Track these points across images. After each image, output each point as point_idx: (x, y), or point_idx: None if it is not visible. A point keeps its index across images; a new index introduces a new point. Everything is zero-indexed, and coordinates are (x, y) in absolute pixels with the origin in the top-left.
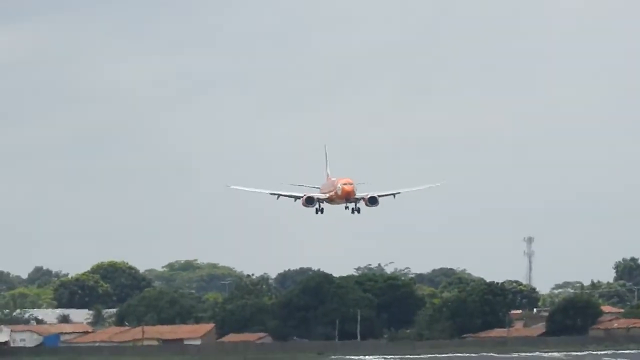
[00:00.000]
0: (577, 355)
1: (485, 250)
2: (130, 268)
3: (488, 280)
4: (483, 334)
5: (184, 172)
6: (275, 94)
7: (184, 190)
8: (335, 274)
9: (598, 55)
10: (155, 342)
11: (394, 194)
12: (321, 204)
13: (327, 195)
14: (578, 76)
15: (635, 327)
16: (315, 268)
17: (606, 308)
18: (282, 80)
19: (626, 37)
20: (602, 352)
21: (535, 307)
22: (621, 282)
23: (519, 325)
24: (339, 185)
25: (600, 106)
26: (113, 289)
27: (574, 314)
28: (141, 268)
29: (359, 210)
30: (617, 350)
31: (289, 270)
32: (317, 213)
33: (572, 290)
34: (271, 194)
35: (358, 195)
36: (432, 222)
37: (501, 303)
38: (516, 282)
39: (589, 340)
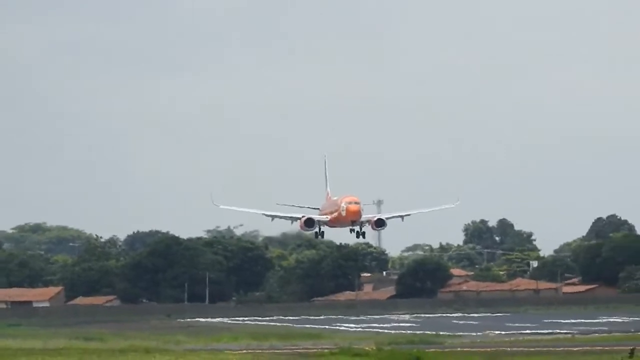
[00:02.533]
0: (426, 317)
1: None
2: None
3: (337, 243)
4: (333, 297)
5: (37, 135)
6: (143, 58)
7: (35, 153)
8: (185, 236)
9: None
10: (3, 305)
11: (402, 216)
12: (322, 227)
13: (329, 217)
14: (425, 44)
15: (485, 290)
16: (164, 230)
17: (456, 271)
18: (150, 43)
19: None
20: (452, 315)
21: (385, 270)
22: (471, 245)
23: (368, 288)
24: (343, 204)
25: (439, 64)
26: None
27: (423, 277)
28: None
29: (364, 235)
30: (467, 313)
31: (138, 232)
32: (316, 237)
33: (421, 253)
34: (265, 215)
35: (363, 217)
36: (279, 183)
37: (353, 266)
38: (366, 244)
39: (438, 303)
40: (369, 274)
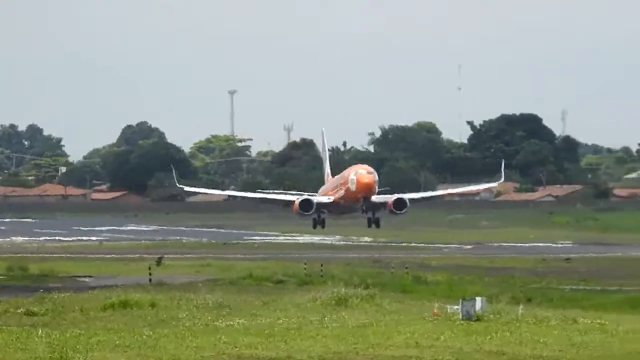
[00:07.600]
0: None
1: None
2: None
3: None
4: None
5: None
6: None
7: None
8: None
9: None
10: None
11: (427, 198)
12: (322, 213)
13: (333, 197)
14: None
15: (13, 195)
16: None
17: None
18: None
19: None
20: None
21: None
22: (0, 149)
23: None
24: (352, 175)
25: None
26: None
27: None
28: None
29: (377, 224)
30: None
31: None
32: (315, 227)
33: None
34: (247, 197)
35: (376, 198)
36: None
37: None
38: None
39: None
40: None
